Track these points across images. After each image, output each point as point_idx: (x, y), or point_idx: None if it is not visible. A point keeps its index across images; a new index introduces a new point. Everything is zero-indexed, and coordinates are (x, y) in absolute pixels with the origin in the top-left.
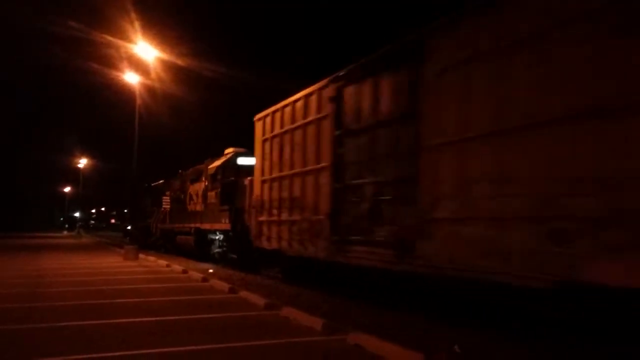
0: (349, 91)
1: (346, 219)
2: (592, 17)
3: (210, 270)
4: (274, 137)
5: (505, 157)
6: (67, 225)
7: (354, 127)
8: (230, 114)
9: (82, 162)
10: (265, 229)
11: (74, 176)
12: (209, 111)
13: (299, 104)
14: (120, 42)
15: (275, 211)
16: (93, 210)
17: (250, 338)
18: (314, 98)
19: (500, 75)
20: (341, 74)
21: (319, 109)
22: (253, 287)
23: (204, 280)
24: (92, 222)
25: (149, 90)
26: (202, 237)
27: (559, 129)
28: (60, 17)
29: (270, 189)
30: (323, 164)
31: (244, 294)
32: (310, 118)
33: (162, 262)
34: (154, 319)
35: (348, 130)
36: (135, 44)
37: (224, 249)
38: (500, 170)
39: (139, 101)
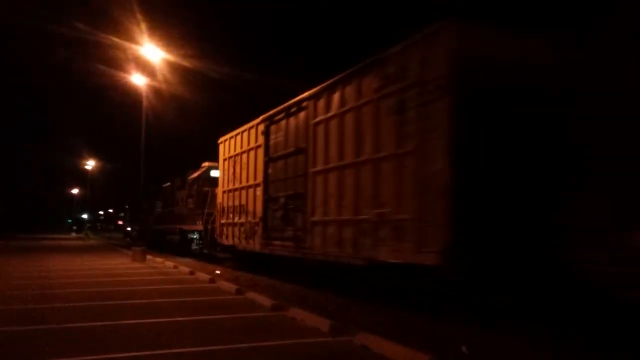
0: (273, 128)
1: (271, 222)
2: (374, 102)
3: (218, 272)
4: (230, 157)
5: (342, 181)
6: (75, 227)
7: (275, 155)
8: (236, 114)
9: (90, 164)
10: (224, 229)
11: (81, 178)
12: (216, 111)
13: (245, 134)
14: (126, 44)
15: (231, 215)
16: (101, 212)
17: (257, 339)
18: (253, 131)
19: (342, 130)
20: (268, 115)
21: (256, 139)
22: (260, 288)
23: (211, 281)
24: (99, 224)
25: (156, 91)
26: (184, 236)
27: (362, 167)
28: (66, 19)
29: (228, 198)
30: (258, 181)
31: (250, 295)
32: (251, 146)
33: (170, 263)
34: (162, 320)
35: (272, 157)
36: (142, 45)
37: (200, 245)
38: (341, 190)
39: (145, 103)
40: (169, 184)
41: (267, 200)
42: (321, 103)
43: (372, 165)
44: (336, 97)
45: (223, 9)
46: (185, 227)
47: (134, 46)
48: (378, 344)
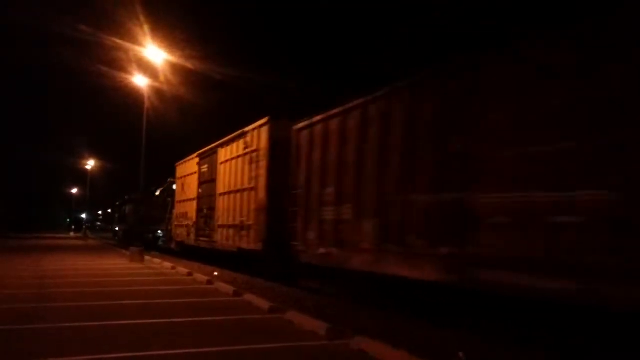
0: (202, 162)
1: (200, 225)
2: (242, 156)
3: (216, 273)
4: (181, 177)
5: (230, 201)
6: (73, 227)
7: (202, 180)
8: (238, 116)
9: (90, 164)
10: (177, 229)
11: (81, 178)
12: (218, 113)
13: (189, 163)
14: (129, 45)
15: (181, 220)
16: (100, 212)
17: (253, 341)
18: (193, 162)
19: (230, 170)
20: (200, 152)
21: (194, 168)
22: (257, 291)
23: (209, 283)
24: (99, 223)
25: (158, 93)
26: (155, 235)
27: (237, 194)
28: (70, 20)
29: (179, 207)
30: (194, 197)
31: (248, 297)
32: (192, 172)
33: (168, 264)
34: (159, 321)
35: (201, 182)
36: (145, 47)
37: (163, 241)
38: (229, 206)
39: (147, 104)
40: (148, 192)
41: (198, 210)
42: (222, 151)
43: (240, 193)
44: (228, 149)
45: (226, 10)
46: (155, 228)
47: (136, 47)
48: (375, 348)
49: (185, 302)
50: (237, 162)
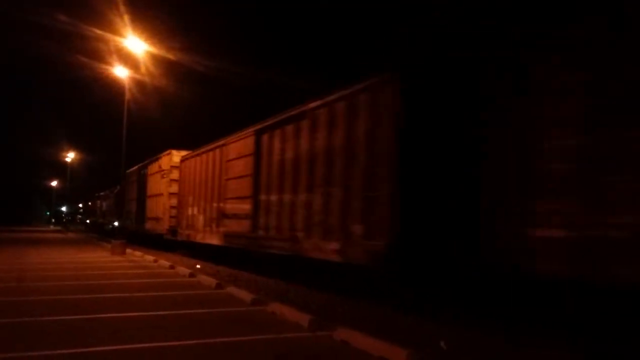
0: (139, 173)
1: (138, 216)
2: (161, 172)
3: (198, 266)
4: (132, 181)
5: (153, 202)
6: (53, 220)
7: (140, 185)
8: (220, 107)
9: (70, 156)
10: (125, 221)
11: (61, 170)
12: (200, 104)
13: (154, 165)
14: (109, 36)
15: (127, 213)
16: (80, 205)
17: (236, 334)
18: (135, 171)
19: (153, 180)
20: (140, 165)
21: (135, 176)
22: (240, 283)
23: (191, 275)
24: (80, 216)
25: (139, 84)
26: (113, 226)
27: (155, 197)
28: (47, 9)
29: (128, 204)
30: (134, 198)
31: (231, 289)
32: (134, 179)
33: (149, 257)
34: (141, 314)
35: (139, 186)
36: (125, 37)
37: (119, 230)
38: (153, 205)
39: (128, 95)
40: (107, 191)
41: (138, 206)
42: (149, 167)
43: (156, 197)
44: (151, 167)
45: (209, 0)
46: (114, 221)
47: (117, 38)
48: (357, 339)
49: (167, 295)
50: (155, 176)
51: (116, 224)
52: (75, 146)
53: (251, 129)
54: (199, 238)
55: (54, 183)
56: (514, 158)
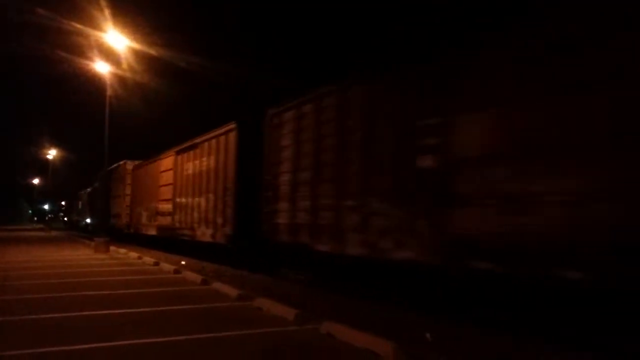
0: (113, 176)
1: (112, 211)
2: (119, 177)
3: (183, 262)
4: (102, 183)
5: (115, 201)
6: (36, 218)
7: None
8: (203, 105)
9: (52, 153)
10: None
11: (43, 167)
12: (183, 101)
13: (117, 170)
14: (89, 30)
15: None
16: (63, 203)
17: (222, 329)
18: (117, 171)
19: (117, 183)
20: (109, 169)
21: (121, 174)
22: (225, 279)
23: (176, 272)
24: (62, 214)
25: (121, 80)
26: (86, 223)
27: (118, 198)
28: (25, 3)
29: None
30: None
31: (216, 285)
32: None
33: (134, 254)
34: (126, 311)
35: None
36: (106, 32)
37: (92, 227)
38: (116, 204)
39: (109, 91)
40: (82, 191)
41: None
42: (117, 171)
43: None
44: (117, 171)
45: None
46: (87, 218)
47: (97, 33)
48: (343, 332)
49: (152, 292)
50: (116, 180)
51: (88, 220)
52: (57, 143)
53: (173, 150)
54: (144, 231)
55: (36, 181)
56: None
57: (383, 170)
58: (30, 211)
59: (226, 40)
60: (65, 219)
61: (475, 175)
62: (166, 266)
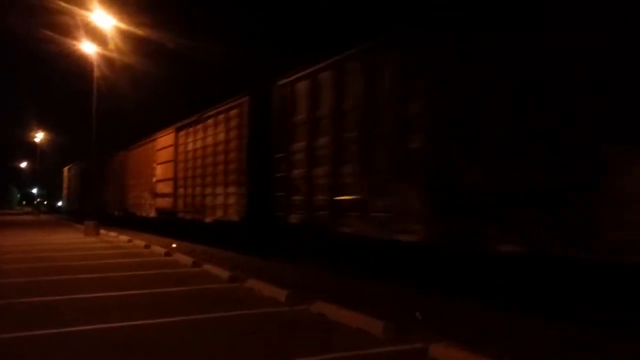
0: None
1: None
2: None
3: (174, 245)
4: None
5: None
6: (24, 202)
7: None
8: (193, 86)
9: (39, 136)
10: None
11: (30, 151)
12: (171, 82)
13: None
14: (75, 9)
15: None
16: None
17: (214, 310)
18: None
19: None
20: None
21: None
22: (216, 260)
23: (167, 254)
24: (39, 199)
25: (108, 61)
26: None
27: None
28: None
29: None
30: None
31: (207, 267)
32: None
33: (124, 237)
34: (117, 293)
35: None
36: (92, 11)
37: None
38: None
39: (96, 72)
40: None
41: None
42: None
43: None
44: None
45: None
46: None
47: (83, 12)
48: (334, 312)
49: (143, 274)
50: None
51: (60, 204)
52: (44, 125)
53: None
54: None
55: (24, 164)
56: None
57: None
58: (18, 195)
59: (217, 18)
60: (44, 202)
61: None
62: (157, 249)
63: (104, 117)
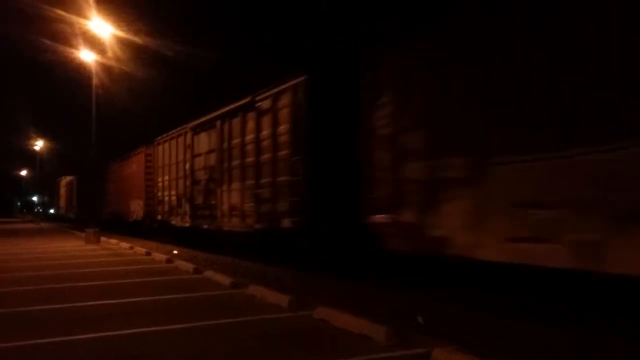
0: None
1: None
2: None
3: (175, 252)
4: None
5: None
6: (25, 210)
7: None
8: (190, 93)
9: (39, 144)
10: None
11: (30, 159)
12: (170, 90)
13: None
14: (74, 18)
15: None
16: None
17: (216, 317)
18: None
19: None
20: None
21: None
22: (218, 267)
23: (169, 261)
24: (39, 207)
25: (107, 69)
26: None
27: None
28: None
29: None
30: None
31: (209, 273)
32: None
33: (125, 244)
34: (118, 301)
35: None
36: (90, 20)
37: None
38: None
39: (95, 80)
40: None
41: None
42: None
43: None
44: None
45: None
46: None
47: (81, 20)
48: (336, 318)
49: (145, 282)
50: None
51: (52, 211)
52: (44, 134)
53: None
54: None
55: (24, 172)
56: None
57: None
58: (19, 203)
59: (214, 26)
60: (40, 210)
61: None
62: (158, 256)
63: (104, 124)
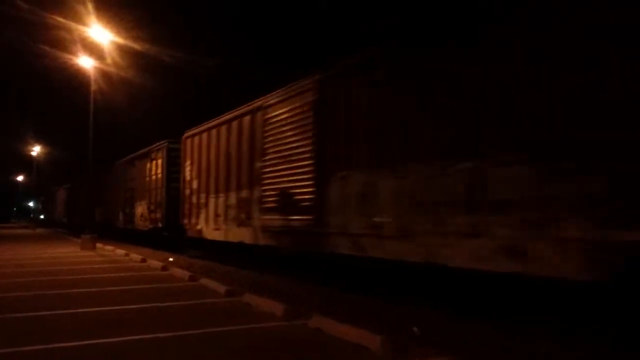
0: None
1: None
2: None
3: (171, 259)
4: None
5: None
6: (19, 215)
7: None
8: (189, 100)
9: (36, 150)
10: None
11: (27, 164)
12: (168, 96)
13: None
14: (73, 25)
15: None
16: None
17: (210, 325)
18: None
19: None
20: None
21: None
22: (214, 275)
23: (164, 268)
24: (32, 214)
25: (105, 75)
26: (39, 217)
27: None
28: None
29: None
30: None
31: (204, 281)
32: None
33: (120, 251)
34: (112, 308)
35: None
36: (89, 26)
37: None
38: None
39: (94, 86)
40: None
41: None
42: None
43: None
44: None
45: None
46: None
47: (80, 27)
48: (331, 327)
49: (140, 289)
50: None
51: (42, 216)
52: (41, 139)
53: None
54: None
55: (20, 178)
56: None
57: None
58: (15, 209)
59: (212, 33)
60: (32, 215)
61: None
62: (154, 263)
63: (101, 130)
